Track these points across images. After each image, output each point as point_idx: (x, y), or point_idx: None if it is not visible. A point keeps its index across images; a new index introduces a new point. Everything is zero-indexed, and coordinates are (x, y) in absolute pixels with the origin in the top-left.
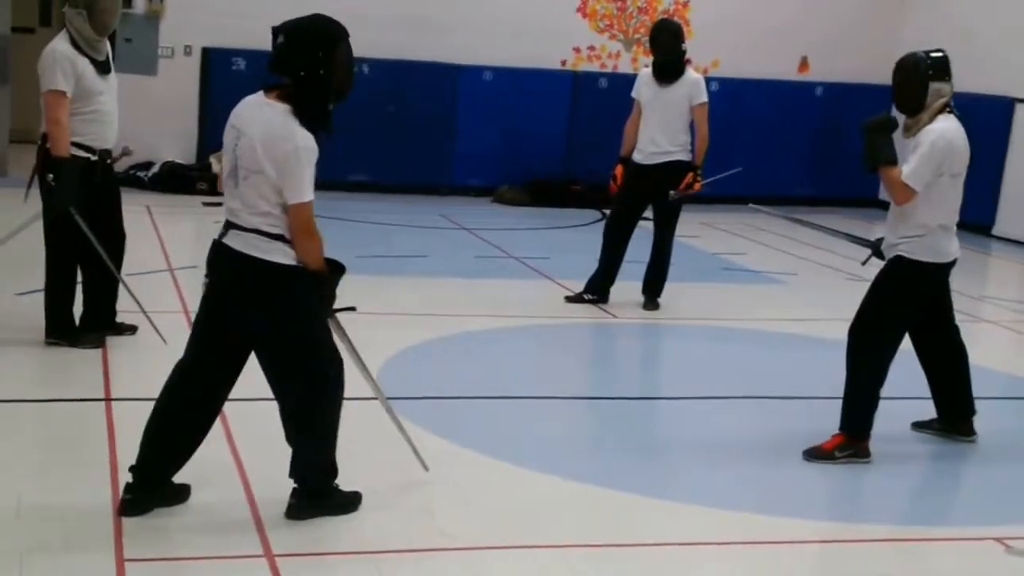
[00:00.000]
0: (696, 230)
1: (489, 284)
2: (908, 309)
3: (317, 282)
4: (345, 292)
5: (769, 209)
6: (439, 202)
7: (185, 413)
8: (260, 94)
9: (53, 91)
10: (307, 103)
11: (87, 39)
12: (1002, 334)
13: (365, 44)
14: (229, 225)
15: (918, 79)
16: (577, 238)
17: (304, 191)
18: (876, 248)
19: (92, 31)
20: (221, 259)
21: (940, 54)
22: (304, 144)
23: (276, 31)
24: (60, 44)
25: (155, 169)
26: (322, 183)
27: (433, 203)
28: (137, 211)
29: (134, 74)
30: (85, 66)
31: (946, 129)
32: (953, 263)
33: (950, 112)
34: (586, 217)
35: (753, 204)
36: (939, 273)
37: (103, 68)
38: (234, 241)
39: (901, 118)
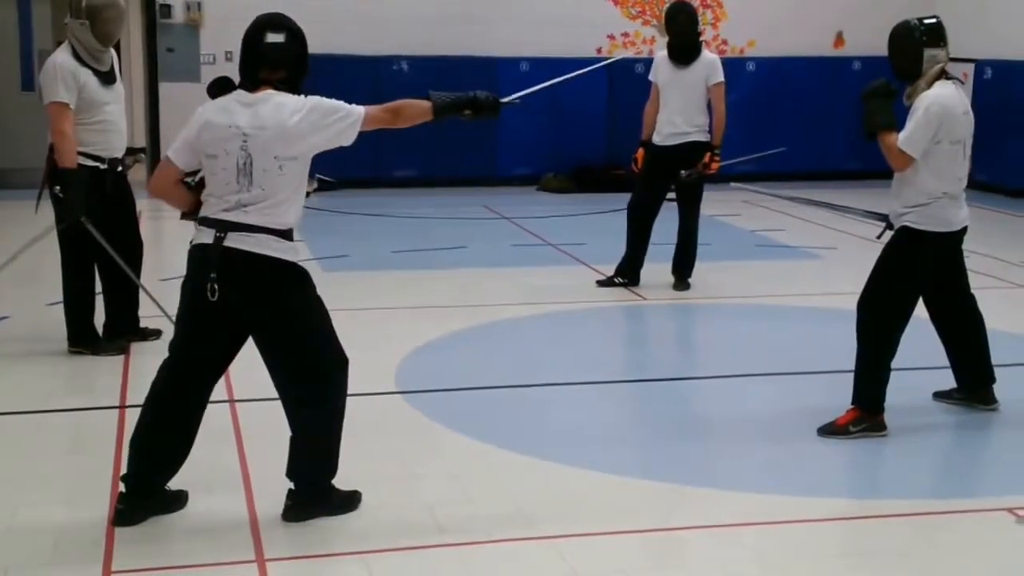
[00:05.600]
0: (738, 208)
1: (523, 272)
2: (915, 280)
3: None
4: (376, 286)
5: (752, 186)
6: (484, 193)
7: (172, 418)
8: (241, 94)
9: (56, 103)
10: (296, 93)
11: (90, 49)
12: None
13: (404, 43)
14: (227, 226)
15: (912, 46)
16: (617, 222)
17: (352, 109)
18: (889, 220)
19: (95, 41)
20: (232, 262)
21: (934, 20)
22: (315, 98)
23: (268, 27)
24: (61, 56)
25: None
26: (370, 180)
27: (478, 195)
28: (174, 215)
29: (179, 82)
30: (88, 77)
31: (941, 95)
32: (963, 231)
33: (948, 78)
34: (628, 201)
35: (735, 183)
36: (947, 242)
37: (107, 78)
38: (242, 243)
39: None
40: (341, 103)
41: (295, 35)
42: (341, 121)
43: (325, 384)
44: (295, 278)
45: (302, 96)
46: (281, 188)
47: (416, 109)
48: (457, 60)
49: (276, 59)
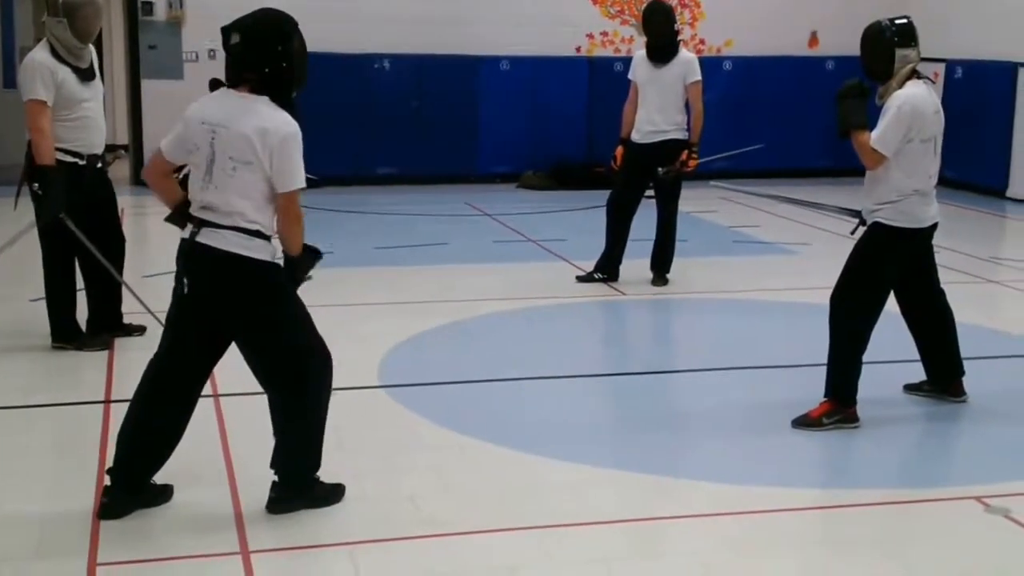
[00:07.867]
0: (715, 204)
1: (504, 268)
2: (887, 275)
3: (292, 264)
4: (359, 283)
5: (732, 184)
6: (465, 190)
7: (160, 413)
8: (225, 91)
9: (34, 100)
10: (277, 95)
11: (68, 47)
12: (1011, 295)
13: (386, 42)
14: (201, 222)
15: (884, 47)
16: (597, 219)
17: (299, 177)
18: (861, 217)
19: (73, 38)
20: (199, 258)
21: (905, 21)
22: (296, 131)
23: (228, 30)
24: (39, 54)
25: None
26: (351, 178)
27: (459, 192)
28: (158, 212)
29: (161, 79)
30: (66, 74)
31: (912, 95)
32: (933, 227)
33: (919, 78)
34: (607, 198)
35: (714, 181)
36: (917, 238)
37: (86, 75)
38: (212, 239)
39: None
40: (299, 167)
41: (252, 38)
42: (280, 174)
43: (305, 381)
44: (265, 276)
45: (285, 116)
46: (234, 192)
47: (296, 238)
48: (439, 59)
49: (235, 61)
